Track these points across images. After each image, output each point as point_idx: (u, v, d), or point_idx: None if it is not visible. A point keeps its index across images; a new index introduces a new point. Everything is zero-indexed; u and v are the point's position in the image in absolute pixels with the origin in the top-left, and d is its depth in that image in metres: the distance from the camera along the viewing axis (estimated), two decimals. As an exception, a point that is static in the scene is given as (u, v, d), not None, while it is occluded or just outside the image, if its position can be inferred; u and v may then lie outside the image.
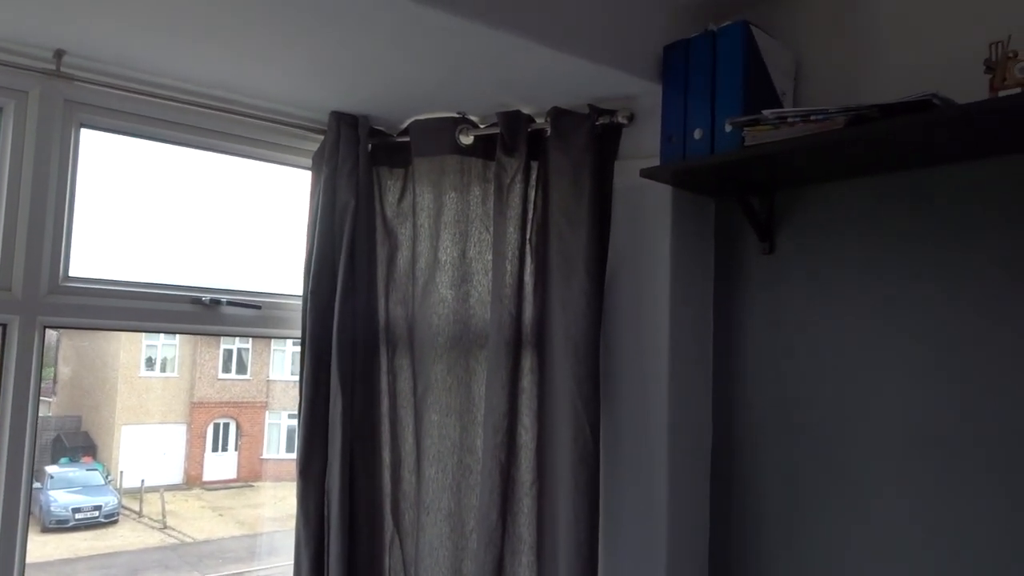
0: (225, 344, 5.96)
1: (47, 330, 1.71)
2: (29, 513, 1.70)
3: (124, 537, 5.34)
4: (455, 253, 1.93)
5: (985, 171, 1.49)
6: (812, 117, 1.48)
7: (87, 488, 5.39)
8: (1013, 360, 1.42)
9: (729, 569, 1.84)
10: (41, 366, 1.71)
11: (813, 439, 1.71)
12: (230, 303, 1.91)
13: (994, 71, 1.35)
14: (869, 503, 1.60)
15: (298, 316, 1.94)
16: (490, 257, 1.91)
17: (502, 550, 1.80)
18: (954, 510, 1.48)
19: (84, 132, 1.78)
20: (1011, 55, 1.33)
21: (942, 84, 1.41)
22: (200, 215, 2.16)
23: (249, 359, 6.09)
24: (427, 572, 1.85)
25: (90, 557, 5.10)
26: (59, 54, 1.66)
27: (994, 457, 1.44)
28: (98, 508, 5.27)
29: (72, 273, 1.75)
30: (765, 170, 1.69)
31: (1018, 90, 1.30)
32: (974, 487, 1.46)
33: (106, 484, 5.47)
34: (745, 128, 1.59)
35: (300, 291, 1.94)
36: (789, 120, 1.52)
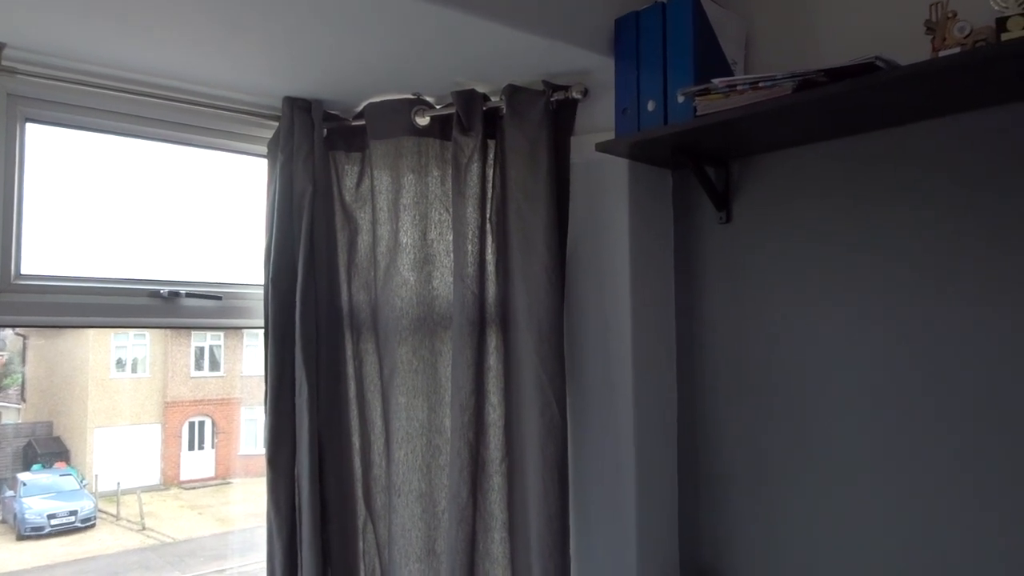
0: (196, 341, 5.90)
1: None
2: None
3: (102, 541, 5.29)
4: (416, 235, 1.93)
5: (930, 131, 1.51)
6: (760, 84, 1.50)
7: (62, 494, 5.33)
8: (970, 317, 1.45)
9: (699, 537, 1.87)
10: (-3, 366, 1.68)
11: (776, 402, 1.73)
12: (189, 295, 1.88)
13: (935, 31, 1.37)
14: (833, 463, 1.63)
15: (260, 305, 1.92)
16: (451, 238, 1.91)
17: (474, 527, 1.81)
18: (917, 470, 1.51)
19: (30, 127, 1.74)
20: (950, 15, 1.35)
21: (888, 47, 1.43)
22: (155, 207, 2.13)
23: (221, 355, 6.04)
24: (400, 553, 1.85)
25: (68, 563, 5.05)
26: (-1, 47, 1.62)
27: (955, 414, 1.46)
28: (74, 513, 5.22)
29: (24, 271, 1.72)
30: (719, 139, 1.70)
31: (958, 49, 1.33)
32: (936, 444, 1.49)
33: (81, 488, 5.41)
34: (696, 98, 1.60)
35: (261, 280, 1.92)
36: (739, 88, 1.53)
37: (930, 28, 1.38)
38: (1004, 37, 1.25)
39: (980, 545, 1.42)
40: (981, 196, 1.44)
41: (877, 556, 1.56)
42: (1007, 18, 1.24)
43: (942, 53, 1.34)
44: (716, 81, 1.54)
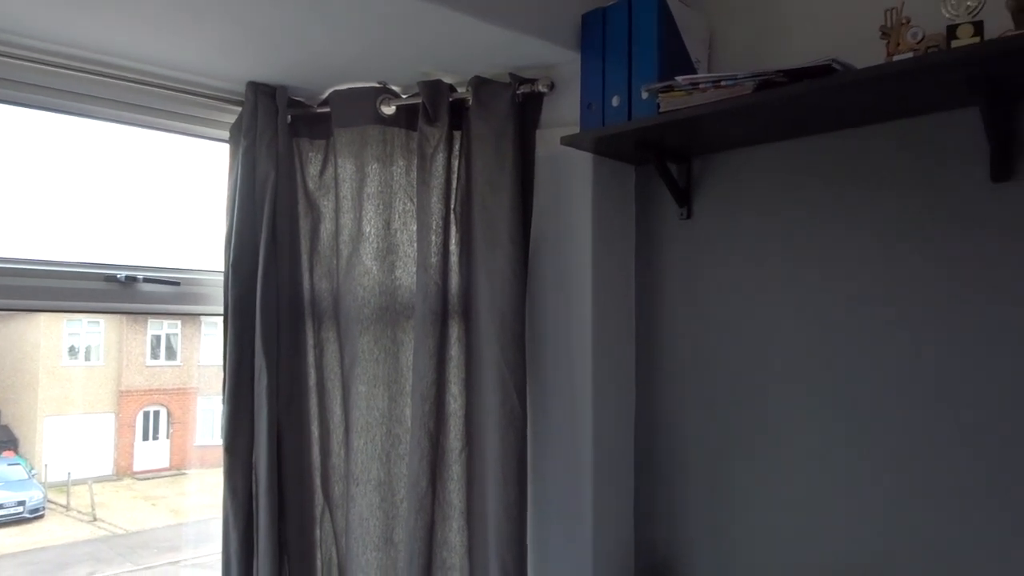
0: (153, 329, 5.79)
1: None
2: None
3: (51, 532, 5.18)
4: (379, 224, 1.92)
5: (885, 133, 1.56)
6: (722, 83, 1.53)
7: (9, 483, 5.21)
8: (929, 312, 1.48)
9: (653, 521, 1.90)
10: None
11: (734, 396, 1.77)
12: (147, 280, 1.86)
13: (889, 37, 1.41)
14: (792, 457, 1.67)
15: (220, 292, 1.90)
16: (415, 228, 1.91)
17: (433, 516, 1.82)
18: (877, 462, 1.54)
19: (-18, 104, 1.71)
20: (904, 21, 1.39)
21: (845, 51, 1.47)
22: (114, 190, 2.09)
23: (179, 344, 5.93)
24: (358, 542, 1.85)
25: (16, 554, 4.94)
26: (-51, 21, 1.58)
27: (915, 406, 1.50)
28: (22, 503, 5.10)
29: (-26, 252, 1.68)
30: (681, 136, 1.73)
31: (910, 54, 1.37)
32: (897, 436, 1.52)
33: (30, 478, 5.29)
34: (660, 94, 1.62)
35: (221, 266, 1.90)
36: (701, 86, 1.56)
37: (885, 33, 1.42)
38: (954, 44, 1.29)
39: (941, 532, 1.46)
40: (934, 194, 1.49)
41: (836, 549, 1.59)
42: (957, 26, 1.29)
43: (896, 57, 1.39)
44: (680, 79, 1.57)
